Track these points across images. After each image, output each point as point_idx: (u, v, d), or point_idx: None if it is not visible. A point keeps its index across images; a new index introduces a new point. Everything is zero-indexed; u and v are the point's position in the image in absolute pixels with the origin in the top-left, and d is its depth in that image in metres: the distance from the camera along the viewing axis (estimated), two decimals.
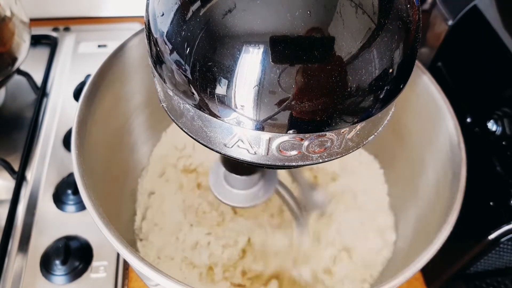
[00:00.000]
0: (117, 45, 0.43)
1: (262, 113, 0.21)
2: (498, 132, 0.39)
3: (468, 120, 0.43)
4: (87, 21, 0.76)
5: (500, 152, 0.39)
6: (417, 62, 0.39)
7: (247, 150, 0.24)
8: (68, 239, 0.47)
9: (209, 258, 0.46)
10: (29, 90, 0.63)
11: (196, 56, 0.21)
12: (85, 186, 0.33)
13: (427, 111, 0.42)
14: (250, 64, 0.20)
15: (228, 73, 0.21)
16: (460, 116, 0.39)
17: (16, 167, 0.53)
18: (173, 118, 0.27)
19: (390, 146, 0.51)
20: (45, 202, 0.50)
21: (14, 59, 0.55)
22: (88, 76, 0.64)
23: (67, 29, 0.72)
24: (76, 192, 0.50)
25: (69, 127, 0.58)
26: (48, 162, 0.54)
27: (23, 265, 0.45)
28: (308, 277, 0.46)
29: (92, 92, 0.39)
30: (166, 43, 0.22)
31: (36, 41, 0.69)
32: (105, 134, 0.43)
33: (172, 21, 0.22)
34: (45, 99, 0.62)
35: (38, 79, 0.64)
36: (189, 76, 0.22)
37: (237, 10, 0.20)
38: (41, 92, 0.62)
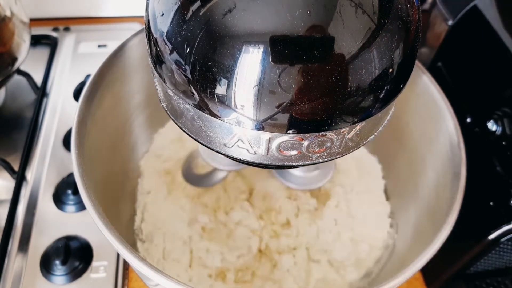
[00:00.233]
0: (117, 45, 0.43)
1: (262, 113, 0.21)
2: (498, 132, 0.39)
3: (468, 120, 0.43)
4: (87, 21, 0.76)
5: (500, 152, 0.39)
6: (417, 62, 0.39)
7: (247, 150, 0.24)
8: (68, 239, 0.47)
9: (221, 262, 0.46)
10: (29, 90, 0.63)
11: (196, 56, 0.21)
12: (85, 186, 0.33)
13: (427, 111, 0.42)
14: (250, 64, 0.20)
15: (228, 73, 0.21)
16: (460, 116, 0.39)
17: (16, 167, 0.53)
18: (173, 118, 0.27)
19: (390, 146, 0.51)
20: (45, 202, 0.50)
21: (14, 59, 0.55)
22: (88, 76, 0.64)
23: (67, 29, 0.72)
24: (76, 192, 0.50)
25: (69, 127, 0.58)
26: (48, 162, 0.54)
27: (23, 265, 0.45)
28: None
29: (92, 92, 0.39)
30: (166, 43, 0.22)
31: (36, 41, 0.69)
32: (105, 134, 0.42)
33: (172, 21, 0.22)
34: (45, 99, 0.62)
35: (38, 79, 0.64)
36: (189, 76, 0.22)
37: (237, 10, 0.20)
38: (41, 92, 0.62)
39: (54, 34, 0.71)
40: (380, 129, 0.27)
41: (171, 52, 0.22)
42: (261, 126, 0.22)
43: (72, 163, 0.34)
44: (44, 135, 0.57)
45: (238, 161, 0.26)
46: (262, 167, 0.28)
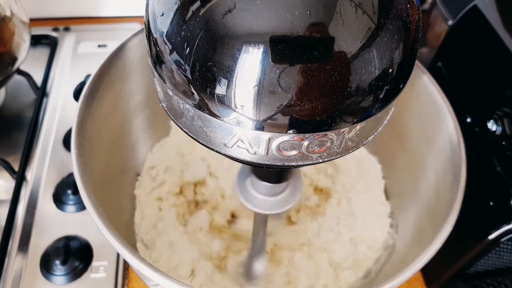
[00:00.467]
0: (117, 45, 0.43)
1: (262, 113, 0.21)
2: (498, 132, 0.39)
3: (468, 120, 0.43)
4: (87, 21, 0.76)
5: (500, 152, 0.39)
6: (417, 62, 0.39)
7: (247, 150, 0.24)
8: (68, 239, 0.47)
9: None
10: (29, 90, 0.63)
11: (196, 56, 0.21)
12: (85, 186, 0.33)
13: (427, 111, 0.42)
14: (250, 64, 0.20)
15: (228, 73, 0.21)
16: (460, 116, 0.39)
17: (16, 167, 0.53)
18: (173, 118, 0.27)
19: (390, 146, 0.51)
20: (45, 202, 0.50)
21: (14, 59, 0.55)
22: (88, 76, 0.64)
23: (67, 29, 0.72)
24: (76, 192, 0.50)
25: (69, 127, 0.58)
26: (48, 162, 0.54)
27: (23, 265, 0.45)
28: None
29: (92, 92, 0.39)
30: (166, 43, 0.22)
31: (36, 41, 0.69)
32: (105, 134, 0.43)
33: (172, 21, 0.22)
34: (45, 99, 0.62)
35: (38, 79, 0.64)
36: (189, 76, 0.22)
37: (237, 10, 0.20)
38: (41, 92, 0.62)
39: (54, 34, 0.71)
40: (380, 129, 0.27)
41: (171, 52, 0.22)
42: (261, 126, 0.22)
43: (72, 163, 0.34)
44: (44, 135, 0.57)
45: (238, 161, 0.26)
46: (262, 167, 0.28)
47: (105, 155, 0.42)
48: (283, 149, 0.23)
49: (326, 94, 0.21)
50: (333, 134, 0.23)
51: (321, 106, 0.21)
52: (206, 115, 0.23)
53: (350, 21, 0.20)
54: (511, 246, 0.40)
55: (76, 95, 0.62)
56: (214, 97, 0.22)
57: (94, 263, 0.46)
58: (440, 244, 0.31)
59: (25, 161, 0.54)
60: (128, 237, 0.46)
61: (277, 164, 0.25)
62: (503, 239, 0.38)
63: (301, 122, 0.22)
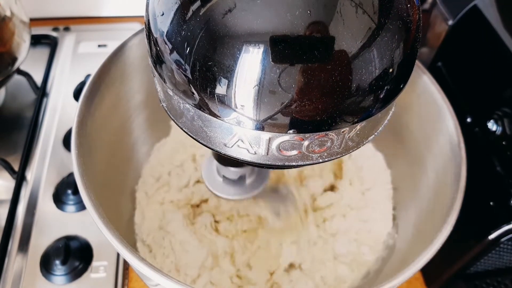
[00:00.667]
0: (117, 45, 0.43)
1: (262, 113, 0.21)
2: (498, 132, 0.39)
3: (468, 120, 0.43)
4: (87, 21, 0.76)
5: (500, 152, 0.39)
6: (417, 62, 0.39)
7: (247, 150, 0.24)
8: (68, 239, 0.47)
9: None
10: (29, 90, 0.63)
11: (196, 56, 0.21)
12: (85, 186, 0.33)
13: (427, 111, 0.42)
14: (250, 63, 0.20)
15: (228, 72, 0.21)
16: (460, 116, 0.39)
17: (16, 167, 0.53)
18: (173, 118, 0.27)
19: (390, 146, 0.51)
20: (45, 202, 0.50)
21: (14, 59, 0.55)
22: (88, 76, 0.64)
23: (67, 29, 0.72)
24: (76, 192, 0.50)
25: (69, 127, 0.58)
26: (48, 162, 0.54)
27: (23, 265, 0.45)
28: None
29: (92, 92, 0.39)
30: (166, 43, 0.22)
31: (36, 41, 0.69)
32: (105, 134, 0.43)
33: (172, 21, 0.22)
34: (45, 99, 0.62)
35: (38, 79, 0.64)
36: (189, 76, 0.22)
37: (237, 9, 0.20)
38: (41, 92, 0.62)
39: (54, 34, 0.71)
40: (380, 129, 0.27)
41: (171, 52, 0.22)
42: (261, 126, 0.22)
43: (72, 163, 0.34)
44: (44, 135, 0.57)
45: (238, 161, 0.26)
46: (262, 167, 0.28)
47: (105, 155, 0.42)
48: (283, 149, 0.23)
49: (326, 94, 0.21)
50: (333, 134, 0.23)
51: (322, 106, 0.21)
52: (206, 115, 0.23)
53: (350, 21, 0.20)
54: (511, 246, 0.40)
55: (76, 95, 0.62)
56: (214, 97, 0.22)
57: (94, 263, 0.46)
58: (440, 244, 0.31)
59: (25, 161, 0.54)
60: (128, 237, 0.46)
61: (277, 164, 0.25)
62: (503, 239, 0.38)
63: (302, 122, 0.22)
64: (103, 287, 0.44)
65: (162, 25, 0.23)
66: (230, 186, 0.40)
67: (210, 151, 0.37)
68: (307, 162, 0.25)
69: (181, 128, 0.26)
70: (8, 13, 0.52)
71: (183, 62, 0.22)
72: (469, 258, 0.41)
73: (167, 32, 0.22)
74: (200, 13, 0.21)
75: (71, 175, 0.52)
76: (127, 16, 0.77)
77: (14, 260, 0.46)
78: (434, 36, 0.47)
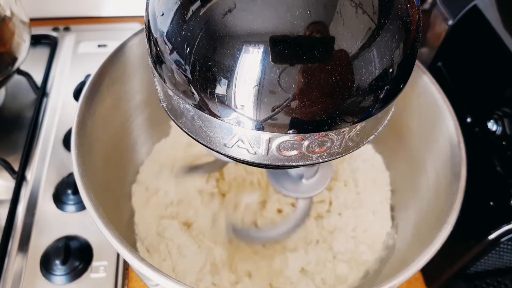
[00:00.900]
0: (117, 45, 0.43)
1: (262, 113, 0.21)
2: (498, 132, 0.39)
3: (468, 120, 0.43)
4: (87, 21, 0.76)
5: (500, 152, 0.39)
6: (417, 62, 0.39)
7: (247, 150, 0.24)
8: (68, 239, 0.47)
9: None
10: (29, 90, 0.63)
11: (196, 56, 0.21)
12: (85, 186, 0.33)
13: (427, 111, 0.42)
14: (250, 64, 0.20)
15: (228, 73, 0.21)
16: (460, 116, 0.39)
17: (16, 167, 0.53)
18: (173, 118, 0.27)
19: (390, 146, 0.51)
20: (45, 202, 0.50)
21: (14, 59, 0.55)
22: (88, 76, 0.64)
23: (67, 29, 0.72)
24: (76, 192, 0.50)
25: (69, 127, 0.58)
26: (48, 162, 0.54)
27: (23, 265, 0.45)
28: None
29: (92, 92, 0.39)
30: (166, 43, 0.22)
31: (36, 41, 0.69)
32: (105, 134, 0.42)
33: (172, 21, 0.22)
34: (45, 99, 0.62)
35: (38, 79, 0.64)
36: (189, 76, 0.22)
37: (237, 10, 0.20)
38: (41, 92, 0.62)
39: (54, 34, 0.71)
40: (380, 129, 0.27)
41: (171, 52, 0.22)
42: (261, 126, 0.22)
43: (72, 163, 0.34)
44: (44, 135, 0.57)
45: (238, 161, 0.26)
46: (262, 167, 0.28)
47: (105, 155, 0.42)
48: (283, 149, 0.23)
49: (326, 94, 0.21)
50: (333, 134, 0.23)
51: (322, 106, 0.21)
52: (206, 115, 0.23)
53: (350, 21, 0.20)
54: (511, 246, 0.40)
55: (76, 95, 0.62)
56: (214, 97, 0.22)
57: (94, 263, 0.46)
58: (440, 244, 0.31)
59: (25, 161, 0.54)
60: (128, 237, 0.46)
61: (277, 164, 0.25)
62: (503, 239, 0.38)
63: (301, 122, 0.22)
64: (103, 287, 0.44)
65: (162, 25, 0.23)
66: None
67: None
68: (307, 162, 0.25)
69: (181, 128, 0.26)
70: (8, 13, 0.52)
71: (183, 62, 0.22)
72: (469, 258, 0.41)
73: (167, 32, 0.22)
74: (200, 13, 0.21)
75: (71, 175, 0.52)
76: (127, 16, 0.77)
77: (14, 260, 0.46)
78: (434, 36, 0.47)
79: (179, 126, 0.26)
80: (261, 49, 0.20)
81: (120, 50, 0.43)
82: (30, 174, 0.53)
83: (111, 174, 0.44)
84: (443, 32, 0.45)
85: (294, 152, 0.24)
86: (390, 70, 0.22)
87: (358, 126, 0.24)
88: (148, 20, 0.24)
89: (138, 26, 0.73)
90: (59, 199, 0.50)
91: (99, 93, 0.40)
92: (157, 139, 0.56)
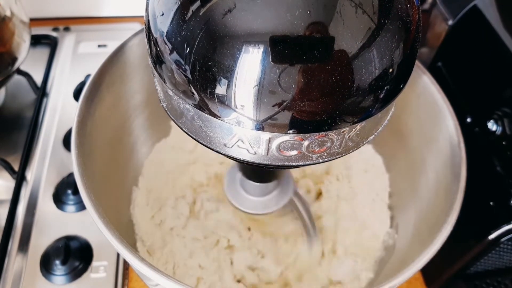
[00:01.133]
0: (117, 45, 0.43)
1: (262, 113, 0.21)
2: (498, 132, 0.39)
3: (468, 120, 0.43)
4: (87, 21, 0.76)
5: (500, 152, 0.39)
6: (417, 62, 0.39)
7: (247, 150, 0.24)
8: (68, 239, 0.47)
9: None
10: (29, 90, 0.63)
11: (196, 56, 0.21)
12: (85, 186, 0.33)
13: (427, 111, 0.42)
14: (250, 64, 0.20)
15: (228, 73, 0.21)
16: (460, 116, 0.39)
17: (16, 167, 0.53)
18: (173, 118, 0.27)
19: (390, 146, 0.51)
20: (45, 202, 0.50)
21: (14, 59, 0.55)
22: (88, 76, 0.64)
23: (67, 29, 0.72)
24: (76, 192, 0.50)
25: (69, 127, 0.58)
26: (48, 162, 0.54)
27: (23, 265, 0.45)
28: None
29: (92, 92, 0.39)
30: (166, 43, 0.22)
31: (36, 41, 0.69)
32: (105, 134, 0.43)
33: (172, 21, 0.22)
34: (45, 99, 0.62)
35: (38, 79, 0.64)
36: (189, 76, 0.22)
37: (237, 10, 0.20)
38: (41, 92, 0.62)
39: (54, 34, 0.71)
40: (380, 129, 0.27)
41: (171, 52, 0.22)
42: (261, 126, 0.22)
43: (72, 163, 0.34)
44: (44, 135, 0.57)
45: (238, 161, 0.26)
46: (262, 167, 0.28)
47: (105, 155, 0.42)
48: (283, 149, 0.23)
49: (326, 94, 0.21)
50: (333, 134, 0.23)
51: (322, 106, 0.21)
52: (206, 115, 0.23)
53: (350, 21, 0.20)
54: (511, 246, 0.40)
55: (76, 95, 0.62)
56: (214, 97, 0.22)
57: (94, 263, 0.46)
58: (440, 244, 0.31)
59: (25, 161, 0.54)
60: (128, 237, 0.46)
61: (277, 164, 0.24)
62: (503, 239, 0.38)
63: (301, 122, 0.22)
64: (103, 287, 0.44)
65: (162, 25, 0.23)
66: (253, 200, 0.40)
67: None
68: (307, 162, 0.25)
69: (181, 128, 0.26)
70: (8, 13, 0.52)
71: (183, 62, 0.22)
72: (469, 258, 0.41)
73: (167, 32, 0.22)
74: (200, 13, 0.21)
75: (71, 175, 0.52)
76: (127, 16, 0.77)
77: (14, 260, 0.46)
78: (434, 36, 0.47)
79: (179, 126, 0.26)
80: (261, 49, 0.20)
81: (120, 50, 0.43)
82: (30, 174, 0.53)
83: (111, 174, 0.44)
84: (443, 32, 0.45)
85: (294, 152, 0.24)
86: (390, 70, 0.22)
87: (358, 126, 0.24)
88: (148, 20, 0.24)
89: (138, 26, 0.73)
90: (59, 199, 0.50)
91: (99, 93, 0.40)
92: (157, 139, 0.56)
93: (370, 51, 0.21)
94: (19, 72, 0.61)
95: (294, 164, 0.25)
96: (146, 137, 0.54)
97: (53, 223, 0.48)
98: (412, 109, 0.45)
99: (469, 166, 0.36)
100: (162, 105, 0.28)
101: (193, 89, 0.22)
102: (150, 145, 0.55)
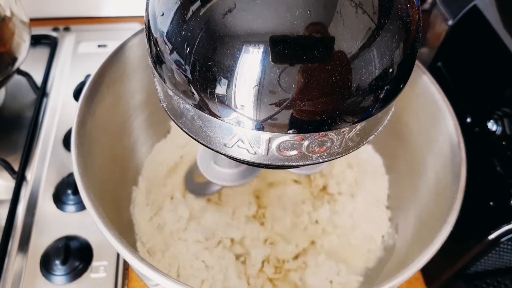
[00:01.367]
0: (117, 45, 0.43)
1: (262, 113, 0.21)
2: (498, 132, 0.39)
3: (468, 120, 0.43)
4: (87, 21, 0.76)
5: (500, 152, 0.39)
6: (417, 62, 0.39)
7: (247, 150, 0.24)
8: (68, 239, 0.47)
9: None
10: (29, 90, 0.63)
11: (196, 56, 0.21)
12: (85, 186, 0.33)
13: (427, 111, 0.42)
14: (250, 64, 0.20)
15: (228, 73, 0.21)
16: (460, 116, 0.39)
17: (16, 167, 0.53)
18: (173, 118, 0.27)
19: (390, 146, 0.51)
20: (45, 202, 0.50)
21: (14, 59, 0.55)
22: (88, 76, 0.64)
23: (67, 29, 0.72)
24: (76, 192, 0.50)
25: (69, 127, 0.58)
26: (48, 162, 0.54)
27: (23, 265, 0.45)
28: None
29: (92, 92, 0.39)
30: (166, 43, 0.22)
31: (36, 41, 0.69)
32: (105, 134, 0.43)
33: (172, 21, 0.22)
34: (45, 99, 0.62)
35: (38, 79, 0.64)
36: (189, 76, 0.22)
37: (237, 10, 0.20)
38: (41, 92, 0.62)
39: (54, 34, 0.71)
40: (380, 129, 0.27)
41: (171, 52, 0.22)
42: (261, 126, 0.22)
43: (72, 163, 0.34)
44: (44, 135, 0.57)
45: (238, 161, 0.26)
46: (262, 167, 0.28)
47: (105, 155, 0.42)
48: (283, 149, 0.23)
49: (326, 94, 0.21)
50: (333, 134, 0.23)
51: (322, 106, 0.21)
52: (206, 115, 0.23)
53: (350, 21, 0.20)
54: (511, 246, 0.40)
55: (76, 95, 0.62)
56: (214, 97, 0.22)
57: (94, 263, 0.46)
58: (440, 244, 0.31)
59: (25, 161, 0.54)
60: (128, 237, 0.46)
61: (277, 164, 0.25)
62: (503, 239, 0.38)
63: (301, 122, 0.22)
64: (103, 287, 0.44)
65: (162, 25, 0.23)
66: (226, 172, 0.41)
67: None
68: (307, 162, 0.25)
69: (181, 128, 0.26)
70: (8, 13, 0.52)
71: (183, 62, 0.22)
72: (469, 258, 0.41)
73: (167, 32, 0.22)
74: (200, 13, 0.21)
75: (71, 175, 0.52)
76: (127, 16, 0.77)
77: (14, 260, 0.46)
78: (434, 36, 0.47)
79: (179, 126, 0.26)
80: (261, 49, 0.20)
81: (120, 50, 0.43)
82: (30, 174, 0.53)
83: (111, 174, 0.44)
84: (443, 32, 0.45)
85: (294, 152, 0.24)
86: (390, 70, 0.22)
87: (358, 126, 0.24)
88: (148, 20, 0.24)
89: (138, 26, 0.73)
90: (59, 199, 0.50)
91: (99, 93, 0.40)
92: (157, 139, 0.56)
93: (370, 51, 0.21)
94: (19, 72, 0.61)
95: (294, 164, 0.25)
96: (146, 137, 0.54)
97: (53, 223, 0.48)
98: (412, 109, 0.45)
99: (469, 166, 0.36)
100: (162, 105, 0.28)
101: (193, 89, 0.22)
102: (150, 145, 0.55)
